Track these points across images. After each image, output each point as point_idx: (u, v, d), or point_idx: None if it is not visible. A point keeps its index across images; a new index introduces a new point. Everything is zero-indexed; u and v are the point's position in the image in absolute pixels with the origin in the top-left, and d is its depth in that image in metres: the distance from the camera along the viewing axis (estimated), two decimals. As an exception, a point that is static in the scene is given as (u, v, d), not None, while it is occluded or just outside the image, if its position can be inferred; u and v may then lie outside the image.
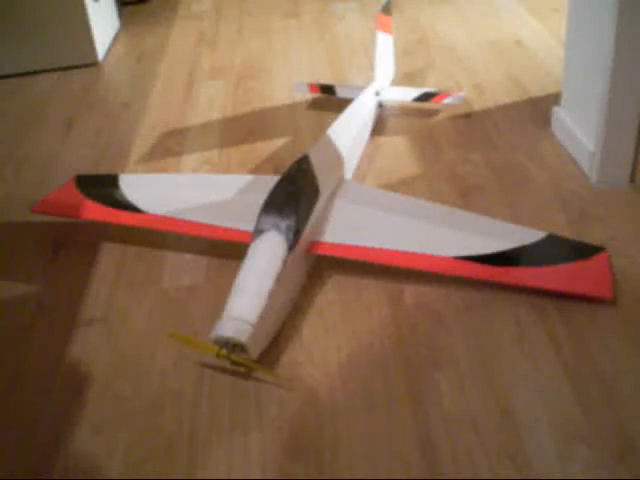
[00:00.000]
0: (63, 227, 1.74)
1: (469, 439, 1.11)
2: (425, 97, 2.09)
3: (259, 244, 1.39)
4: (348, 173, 1.75)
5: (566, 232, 1.54)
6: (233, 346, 1.24)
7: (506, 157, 1.87)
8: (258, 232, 1.41)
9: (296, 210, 1.42)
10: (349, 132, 1.82)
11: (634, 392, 1.16)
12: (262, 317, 1.27)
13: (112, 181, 1.75)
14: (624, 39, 1.53)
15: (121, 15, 3.28)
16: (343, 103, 1.99)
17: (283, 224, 1.40)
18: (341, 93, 2.18)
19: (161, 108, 2.39)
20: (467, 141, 1.97)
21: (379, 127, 2.07)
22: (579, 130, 1.79)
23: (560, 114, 1.90)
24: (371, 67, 2.17)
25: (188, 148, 2.10)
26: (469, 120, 2.08)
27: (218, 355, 1.25)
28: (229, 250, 1.56)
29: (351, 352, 1.31)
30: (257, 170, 1.93)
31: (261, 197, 1.46)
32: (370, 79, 2.14)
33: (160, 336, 1.38)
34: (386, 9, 2.18)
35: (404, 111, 2.17)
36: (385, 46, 2.16)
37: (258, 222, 1.42)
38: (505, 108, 2.12)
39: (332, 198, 1.59)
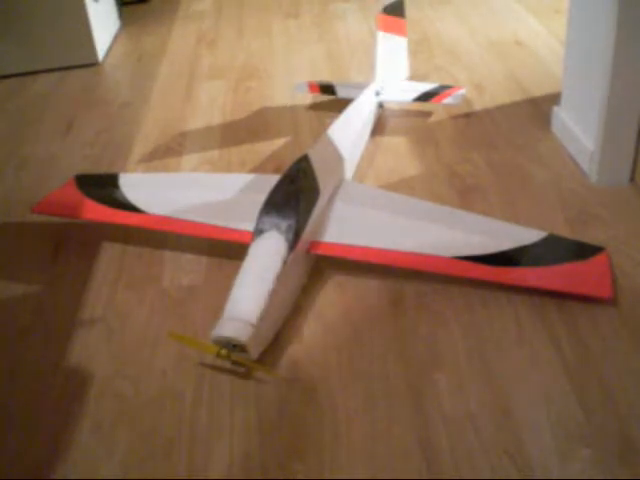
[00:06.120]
0: (63, 227, 1.74)
1: (469, 439, 1.11)
2: (425, 97, 2.09)
3: (259, 244, 1.39)
4: (348, 173, 1.75)
5: (566, 231, 1.54)
6: (233, 346, 1.24)
7: (506, 157, 1.87)
8: (258, 232, 1.41)
9: (296, 210, 1.42)
10: (349, 132, 1.82)
11: (634, 392, 1.16)
12: (262, 317, 1.27)
13: (112, 181, 1.76)
14: (624, 39, 1.53)
15: (121, 15, 3.28)
16: (343, 103, 1.99)
17: (283, 224, 1.40)
18: (341, 93, 2.18)
19: (161, 108, 2.39)
20: (467, 141, 1.97)
21: (379, 127, 2.07)
22: (579, 130, 1.79)
23: (560, 114, 1.90)
24: (371, 67, 2.17)
25: (188, 148, 2.10)
26: (469, 120, 2.08)
27: (218, 355, 1.25)
28: (229, 250, 1.56)
29: (351, 352, 1.31)
30: (258, 170, 1.93)
31: (261, 197, 1.47)
32: (370, 79, 2.14)
33: (160, 336, 1.38)
34: (394, 10, 2.16)
35: (404, 111, 2.18)
36: (397, 47, 2.17)
37: (258, 222, 1.42)
38: (505, 108, 2.13)
39: (332, 198, 1.59)
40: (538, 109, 2.08)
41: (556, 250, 1.45)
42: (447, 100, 2.07)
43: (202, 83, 2.55)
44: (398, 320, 1.37)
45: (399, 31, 2.19)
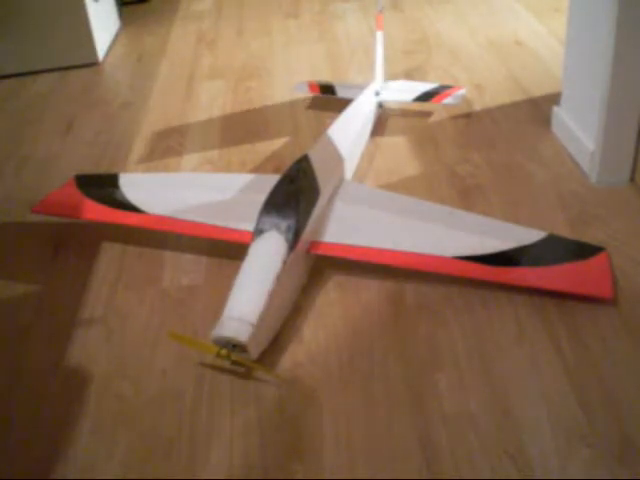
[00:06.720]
0: (63, 227, 1.74)
1: (469, 439, 1.11)
2: (425, 97, 2.09)
3: (259, 244, 1.39)
4: (348, 173, 1.75)
5: (566, 231, 1.54)
6: (233, 346, 1.24)
7: (506, 157, 1.87)
8: (258, 232, 1.41)
9: (296, 210, 1.42)
10: (349, 132, 1.82)
11: (634, 392, 1.16)
12: (262, 317, 1.27)
13: (112, 181, 1.76)
14: (624, 39, 1.53)
15: (121, 15, 3.28)
16: (343, 103, 1.99)
17: (283, 224, 1.40)
18: (341, 93, 2.18)
19: (161, 108, 2.39)
20: (467, 141, 1.97)
21: (379, 127, 2.07)
22: (579, 130, 1.79)
23: (560, 114, 1.90)
24: (371, 67, 2.17)
25: (189, 148, 2.10)
26: (469, 120, 2.08)
27: (218, 355, 1.25)
28: (229, 250, 1.56)
29: (351, 352, 1.31)
30: (258, 170, 1.93)
31: (261, 197, 1.47)
32: (370, 79, 2.14)
33: (160, 336, 1.38)
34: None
35: (404, 111, 2.17)
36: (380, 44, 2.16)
37: (258, 222, 1.42)
38: (505, 108, 2.13)
39: (332, 198, 1.59)
40: (538, 109, 2.08)
41: (556, 250, 1.45)
42: (447, 100, 2.07)
43: (202, 83, 2.55)
44: (398, 320, 1.37)
45: (380, 27, 2.18)
